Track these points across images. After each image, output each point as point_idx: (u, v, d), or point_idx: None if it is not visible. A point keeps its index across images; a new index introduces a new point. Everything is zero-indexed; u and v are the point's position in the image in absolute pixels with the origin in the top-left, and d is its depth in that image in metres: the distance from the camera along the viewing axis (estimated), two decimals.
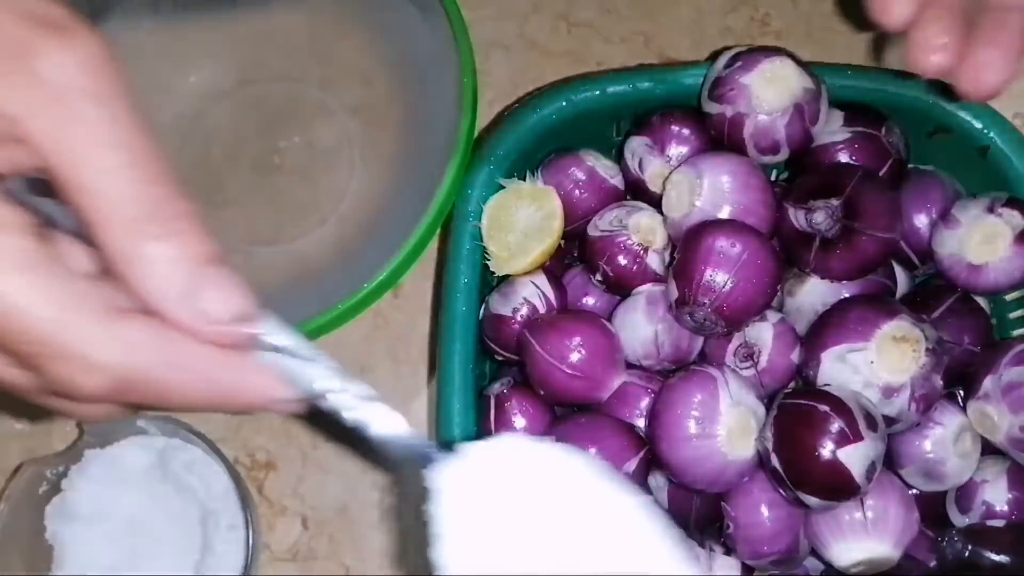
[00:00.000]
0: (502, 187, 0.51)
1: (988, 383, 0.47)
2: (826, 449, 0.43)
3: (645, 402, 0.48)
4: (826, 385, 0.46)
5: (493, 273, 0.51)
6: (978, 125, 0.50)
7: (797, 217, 0.48)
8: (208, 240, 0.28)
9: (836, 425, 0.43)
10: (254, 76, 0.63)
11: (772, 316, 0.49)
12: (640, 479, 0.47)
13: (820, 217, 0.48)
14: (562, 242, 0.52)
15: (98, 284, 0.28)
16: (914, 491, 0.49)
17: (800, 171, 0.52)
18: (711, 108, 0.50)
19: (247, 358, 0.30)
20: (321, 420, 0.58)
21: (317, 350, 0.30)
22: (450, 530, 0.30)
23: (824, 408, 0.44)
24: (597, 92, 0.52)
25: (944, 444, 0.47)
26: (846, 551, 0.46)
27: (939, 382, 0.46)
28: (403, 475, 0.54)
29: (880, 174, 0.50)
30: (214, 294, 0.28)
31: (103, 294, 0.28)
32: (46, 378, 0.28)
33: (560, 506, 0.30)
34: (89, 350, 0.27)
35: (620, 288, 0.51)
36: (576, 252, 0.55)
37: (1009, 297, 0.52)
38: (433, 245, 0.57)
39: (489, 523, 0.30)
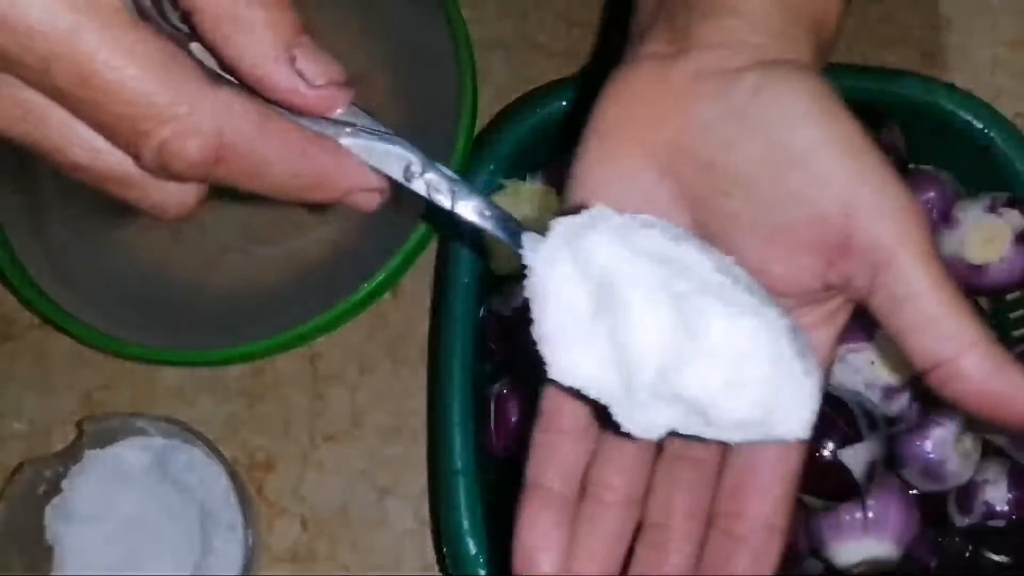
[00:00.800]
0: (502, 187, 0.51)
1: None
2: (827, 449, 0.43)
3: None
4: (826, 385, 0.46)
5: (493, 273, 0.51)
6: (978, 125, 0.50)
7: None
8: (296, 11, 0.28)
9: (837, 425, 0.43)
10: None
11: None
12: None
13: None
14: None
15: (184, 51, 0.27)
16: (914, 491, 0.49)
17: None
18: None
19: (338, 144, 0.30)
20: (321, 419, 0.58)
21: (396, 135, 0.30)
22: (548, 306, 0.30)
23: (825, 408, 0.44)
24: (597, 92, 0.52)
25: (945, 444, 0.47)
26: (846, 551, 0.46)
27: None
28: None
29: None
30: (310, 58, 0.28)
31: (192, 60, 0.27)
32: (141, 146, 0.27)
33: (651, 270, 0.30)
34: (189, 110, 0.26)
35: None
36: None
37: (1009, 297, 0.52)
38: (433, 245, 0.57)
39: (586, 295, 0.30)
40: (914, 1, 0.63)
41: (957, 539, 0.48)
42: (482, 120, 0.58)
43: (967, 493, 0.48)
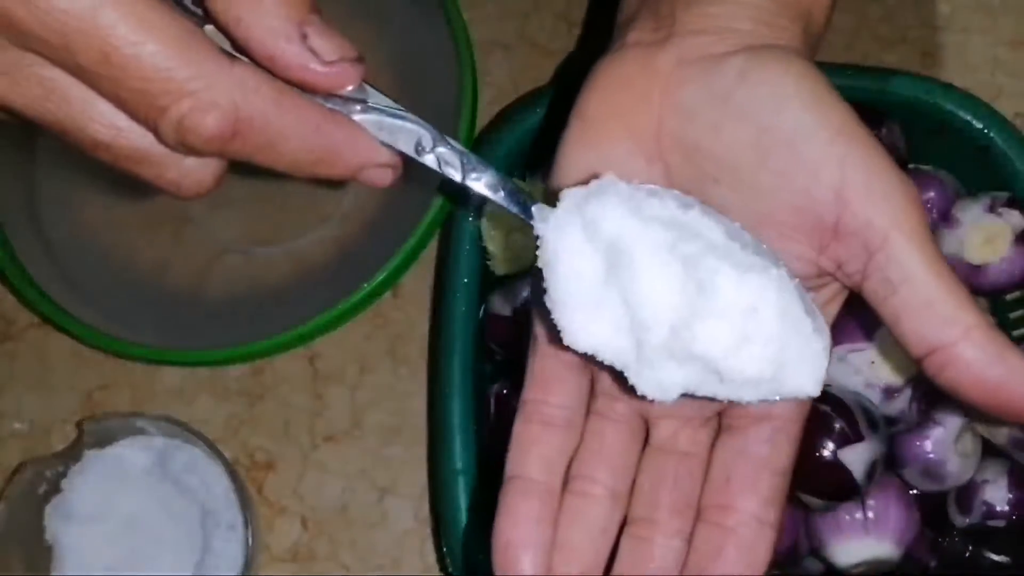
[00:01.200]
0: None
1: None
2: (827, 449, 0.43)
3: None
4: (827, 385, 0.46)
5: (493, 273, 0.51)
6: (978, 124, 0.50)
7: None
8: None
9: (837, 425, 0.43)
10: None
11: None
12: None
13: None
14: None
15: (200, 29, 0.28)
16: (914, 491, 0.49)
17: None
18: None
19: (351, 119, 0.30)
20: (321, 419, 0.58)
21: (407, 111, 0.31)
22: (559, 274, 0.30)
23: (825, 408, 0.44)
24: None
25: (945, 444, 0.47)
26: (846, 551, 0.46)
27: None
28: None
29: None
30: (321, 35, 0.29)
31: (208, 38, 0.28)
32: (160, 121, 0.27)
33: (659, 234, 0.30)
34: (206, 85, 0.27)
35: None
36: None
37: (1009, 297, 0.52)
38: (433, 245, 0.57)
39: (597, 261, 0.30)
40: (914, 1, 0.63)
41: (957, 539, 0.48)
42: (482, 120, 0.58)
43: (967, 493, 0.48)
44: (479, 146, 0.52)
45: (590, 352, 0.31)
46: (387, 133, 0.31)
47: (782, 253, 0.32)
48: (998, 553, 0.47)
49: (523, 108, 0.52)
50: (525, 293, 0.50)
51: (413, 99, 0.60)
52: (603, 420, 0.35)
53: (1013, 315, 0.52)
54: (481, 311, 0.50)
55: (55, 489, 0.54)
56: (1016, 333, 0.52)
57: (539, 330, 0.35)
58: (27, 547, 0.54)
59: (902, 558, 0.47)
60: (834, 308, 0.34)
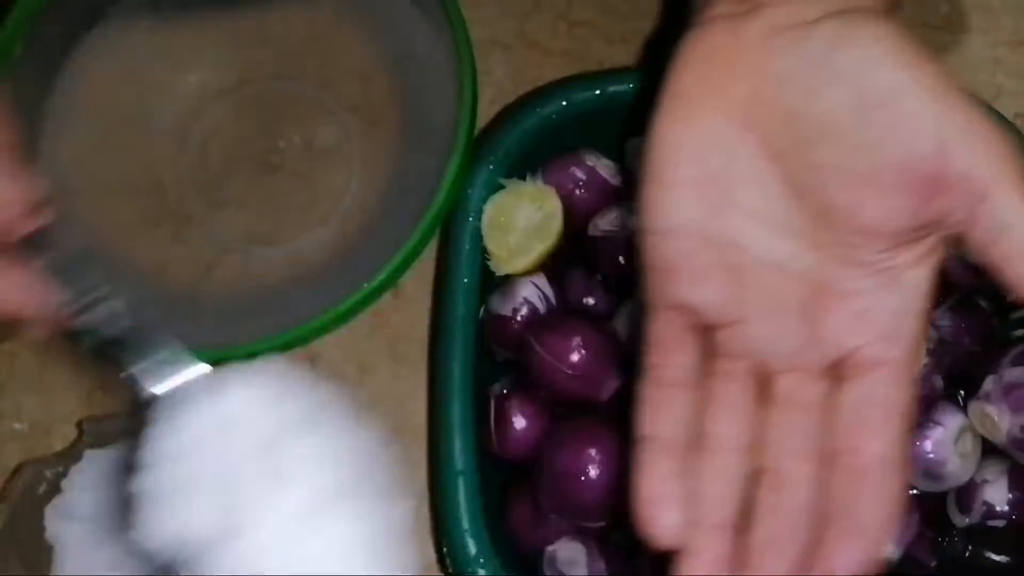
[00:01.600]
0: (502, 187, 0.51)
1: (989, 383, 0.47)
2: None
3: None
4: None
5: (493, 273, 0.51)
6: None
7: None
8: (10, 128, 0.28)
9: None
10: (253, 75, 0.63)
11: None
12: None
13: None
14: (562, 242, 0.52)
15: None
16: (914, 491, 0.49)
17: None
18: None
19: (11, 265, 0.30)
20: None
21: (95, 261, 0.30)
22: (164, 457, 0.30)
23: None
24: (597, 92, 0.52)
25: (944, 444, 0.47)
26: None
27: (940, 382, 0.46)
28: None
29: None
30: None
31: None
32: None
33: (260, 439, 0.30)
34: None
35: (621, 288, 0.51)
36: (576, 252, 0.55)
37: (1010, 297, 0.52)
38: (433, 245, 0.57)
39: (203, 453, 0.30)
40: (914, 1, 0.63)
41: (957, 539, 0.48)
42: (482, 120, 0.58)
43: (967, 493, 0.48)
44: (479, 146, 0.52)
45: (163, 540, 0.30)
46: (55, 280, 0.30)
47: (884, 209, 0.33)
48: (998, 553, 0.47)
49: (523, 108, 0.52)
50: (525, 293, 0.50)
51: (413, 99, 0.60)
52: (725, 377, 0.36)
53: (1013, 315, 0.52)
54: (481, 311, 0.50)
55: (55, 489, 0.54)
56: (1017, 333, 0.52)
57: (651, 297, 0.36)
58: (27, 547, 0.53)
59: (902, 558, 0.47)
60: (936, 257, 0.35)
